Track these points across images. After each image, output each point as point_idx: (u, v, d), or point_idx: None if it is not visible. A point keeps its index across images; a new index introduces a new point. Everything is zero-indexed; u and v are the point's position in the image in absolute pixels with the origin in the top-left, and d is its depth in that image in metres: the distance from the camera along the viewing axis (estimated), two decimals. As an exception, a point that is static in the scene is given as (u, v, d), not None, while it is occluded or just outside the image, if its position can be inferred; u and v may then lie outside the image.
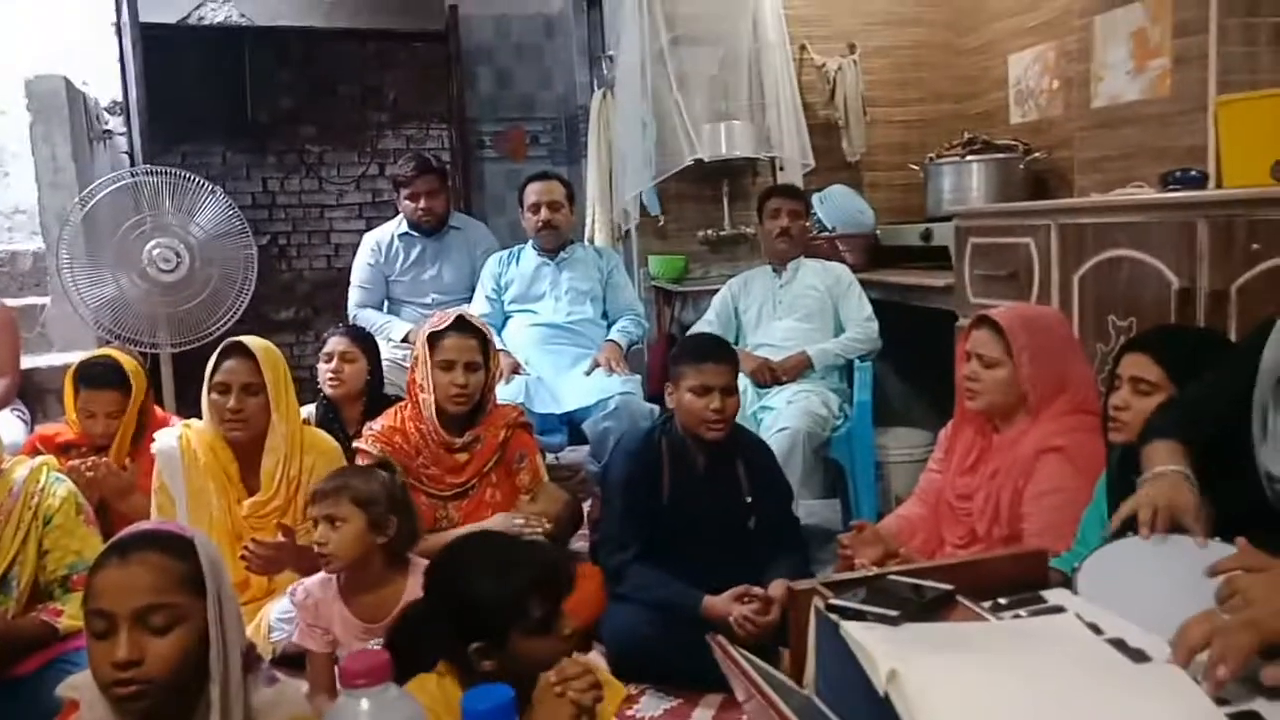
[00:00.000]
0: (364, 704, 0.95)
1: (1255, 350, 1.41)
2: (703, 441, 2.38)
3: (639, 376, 3.42)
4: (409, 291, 3.81)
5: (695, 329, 3.47)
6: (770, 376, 3.17)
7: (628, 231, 4.36)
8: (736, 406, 2.41)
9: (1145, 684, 0.94)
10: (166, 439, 2.44)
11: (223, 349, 2.43)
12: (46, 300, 3.87)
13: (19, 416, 3.25)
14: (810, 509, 3.34)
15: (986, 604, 1.16)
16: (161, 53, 4.90)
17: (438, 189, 3.75)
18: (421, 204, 3.72)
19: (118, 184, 3.43)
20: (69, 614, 1.93)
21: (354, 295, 3.86)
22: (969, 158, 3.61)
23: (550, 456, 3.32)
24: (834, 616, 1.09)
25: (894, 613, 1.07)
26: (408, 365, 2.74)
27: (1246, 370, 1.42)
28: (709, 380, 2.33)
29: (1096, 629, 1.06)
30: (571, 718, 1.37)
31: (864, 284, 3.39)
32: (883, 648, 0.97)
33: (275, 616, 2.27)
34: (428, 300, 3.78)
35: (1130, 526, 1.36)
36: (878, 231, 3.92)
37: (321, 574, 2.11)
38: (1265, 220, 1.88)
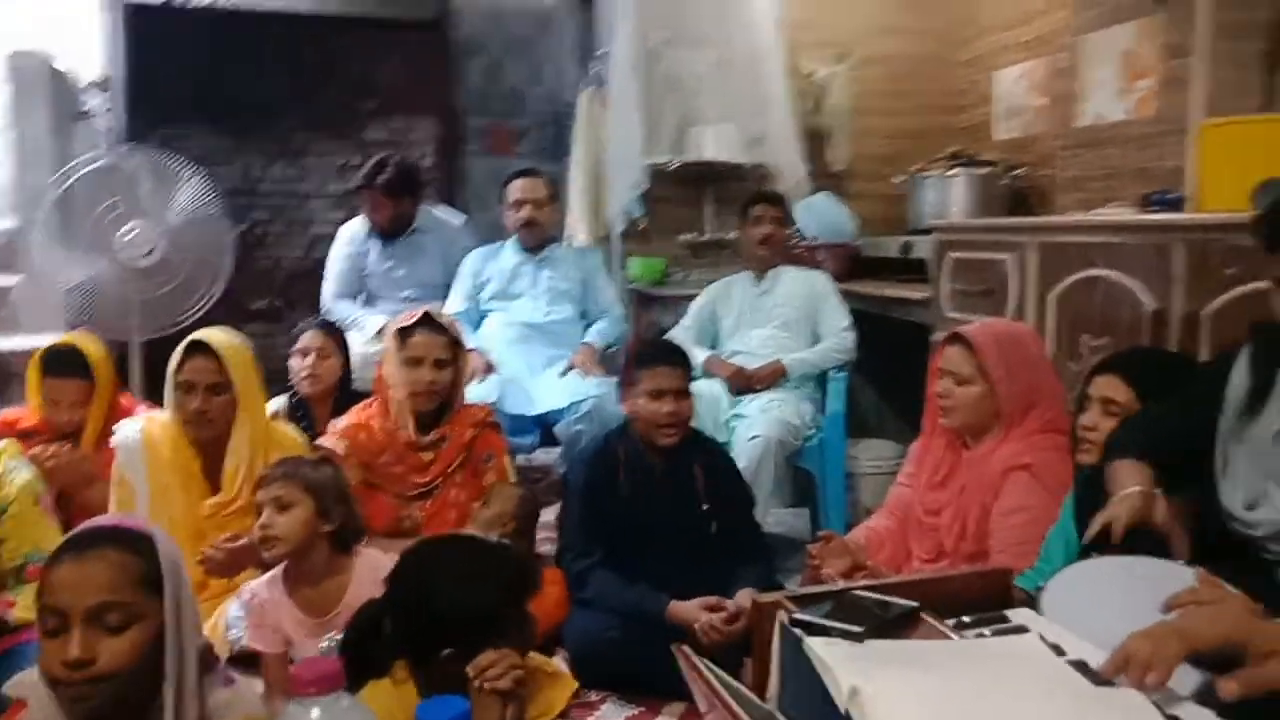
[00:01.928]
0: (315, 712, 0.93)
1: (1221, 377, 1.42)
2: (659, 447, 2.38)
3: (614, 379, 3.39)
4: (382, 287, 3.78)
5: (672, 333, 3.46)
6: (745, 384, 3.16)
7: (609, 232, 4.34)
8: (690, 410, 2.42)
9: (1104, 707, 0.94)
10: (128, 431, 2.38)
11: (187, 346, 2.36)
12: (17, 280, 3.81)
13: (-17, 399, 3.20)
14: (780, 518, 3.34)
15: (951, 621, 1.16)
16: (146, 33, 4.85)
17: (384, 202, 3.66)
18: (374, 215, 3.70)
19: (95, 164, 3.38)
20: (21, 605, 1.89)
21: (328, 286, 3.82)
22: (951, 172, 3.61)
23: (521, 458, 3.30)
24: (798, 631, 1.08)
25: (858, 629, 1.06)
26: (376, 361, 2.71)
27: (1211, 396, 1.42)
28: (662, 384, 2.34)
29: (1059, 650, 1.06)
30: (502, 707, 1.37)
31: (844, 294, 3.40)
32: (845, 664, 0.97)
33: (232, 614, 2.23)
34: (402, 295, 3.73)
35: (1103, 540, 1.37)
36: (859, 242, 3.93)
37: (268, 575, 2.08)
38: (1241, 245, 1.88)
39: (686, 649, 1.27)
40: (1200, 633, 0.95)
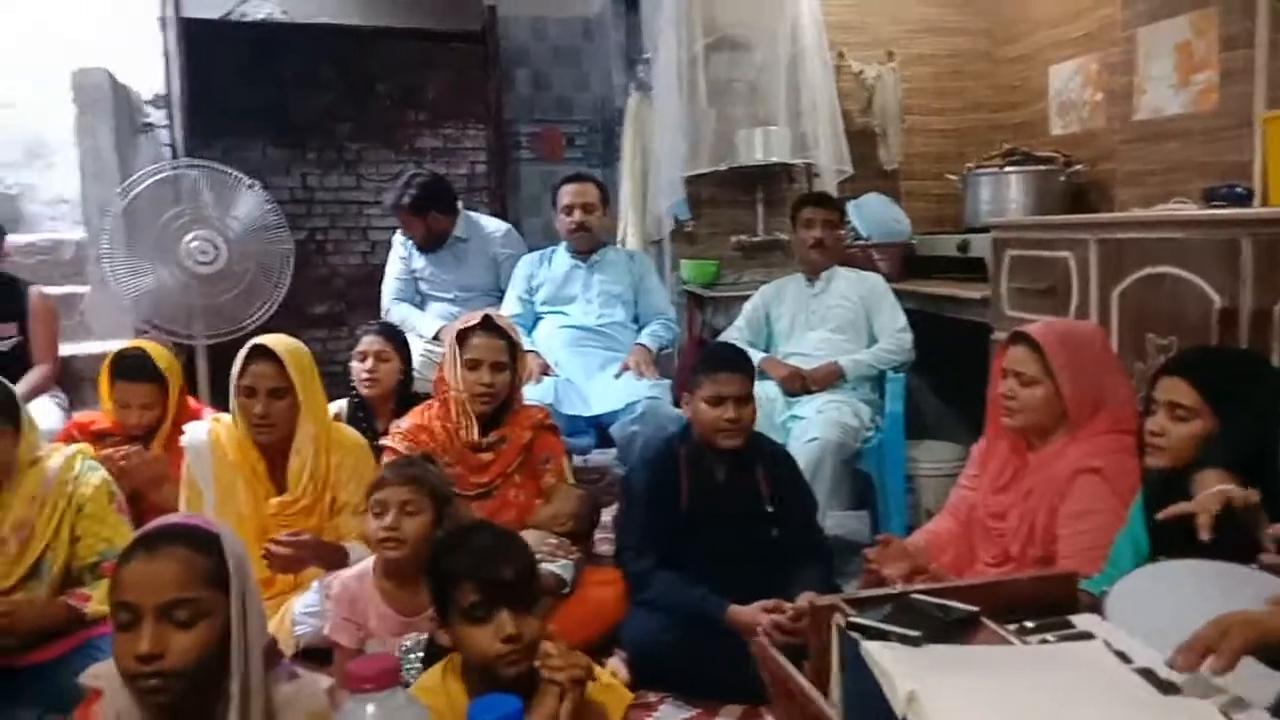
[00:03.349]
0: (370, 708, 0.94)
1: None
2: (722, 450, 2.37)
3: (668, 381, 3.40)
4: (433, 288, 3.87)
5: (725, 335, 3.46)
6: (801, 385, 3.14)
7: (662, 236, 4.36)
8: (753, 415, 2.40)
9: (1170, 717, 0.92)
10: (196, 432, 2.45)
11: (249, 351, 2.41)
12: (87, 289, 3.93)
13: (58, 404, 3.31)
14: (839, 520, 3.31)
15: (1012, 626, 1.14)
16: (204, 47, 4.96)
17: (413, 220, 3.74)
18: (408, 232, 3.80)
19: (158, 176, 3.46)
20: (97, 599, 1.95)
21: (388, 289, 3.93)
22: (1008, 169, 3.57)
23: (577, 459, 3.32)
24: (855, 635, 1.08)
25: (916, 633, 1.05)
26: (437, 361, 2.75)
27: None
28: (723, 390, 2.33)
29: (1125, 657, 1.04)
30: (556, 697, 1.40)
31: (898, 294, 3.36)
32: (902, 669, 0.96)
33: (299, 610, 2.28)
34: (451, 296, 3.83)
35: (1178, 529, 1.33)
36: (913, 241, 3.89)
37: (358, 567, 2.12)
38: (1312, 240, 1.84)
39: (763, 641, 1.27)
40: (1274, 623, 0.91)
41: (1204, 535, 1.29)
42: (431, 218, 3.75)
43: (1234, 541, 1.32)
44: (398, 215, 3.80)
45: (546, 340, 3.49)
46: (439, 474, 2.15)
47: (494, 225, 4.00)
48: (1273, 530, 1.16)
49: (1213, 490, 1.35)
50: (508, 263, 3.79)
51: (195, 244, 3.41)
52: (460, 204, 3.91)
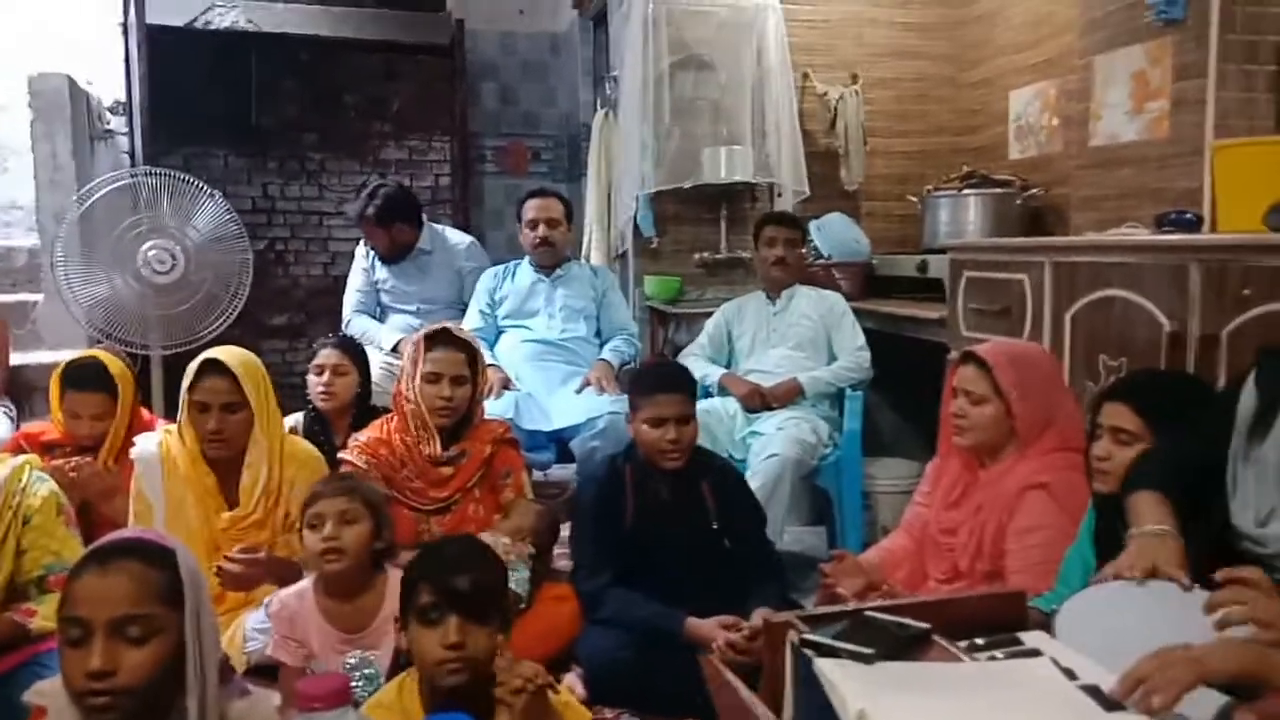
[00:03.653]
0: (318, 727, 0.93)
1: (1233, 401, 1.42)
2: (664, 469, 2.38)
3: (628, 396, 3.41)
4: (395, 300, 3.86)
5: (686, 352, 3.48)
6: (761, 402, 3.17)
7: (624, 251, 4.37)
8: (694, 435, 2.40)
9: (1116, 733, 0.93)
10: (147, 445, 2.41)
11: (200, 365, 2.37)
12: (39, 297, 3.86)
13: (6, 414, 3.24)
14: (797, 536, 3.33)
15: (963, 644, 1.16)
16: (167, 55, 4.92)
17: (377, 231, 3.75)
18: (372, 242, 3.81)
19: (116, 184, 3.43)
20: (42, 615, 1.91)
21: (349, 301, 3.91)
22: (966, 191, 3.62)
23: (538, 474, 3.31)
24: (808, 652, 1.08)
25: (868, 650, 1.06)
26: (396, 375, 2.74)
27: (1224, 423, 1.42)
28: (662, 412, 2.33)
29: (1071, 674, 1.05)
30: (509, 716, 1.44)
31: (858, 313, 3.40)
32: (853, 686, 0.97)
33: (251, 627, 2.24)
34: (413, 309, 3.82)
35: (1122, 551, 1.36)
36: (873, 261, 3.93)
37: (298, 585, 2.10)
38: (1257, 266, 1.88)
39: (714, 658, 1.27)
40: (1215, 663, 0.94)
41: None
42: (396, 229, 3.74)
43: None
44: (362, 226, 3.80)
45: (508, 354, 3.49)
46: (374, 486, 2.14)
47: (458, 238, 3.99)
48: (1226, 574, 1.19)
49: (1137, 541, 1.37)
50: (471, 276, 3.79)
51: (153, 253, 3.37)
52: (425, 216, 3.90)
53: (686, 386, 2.43)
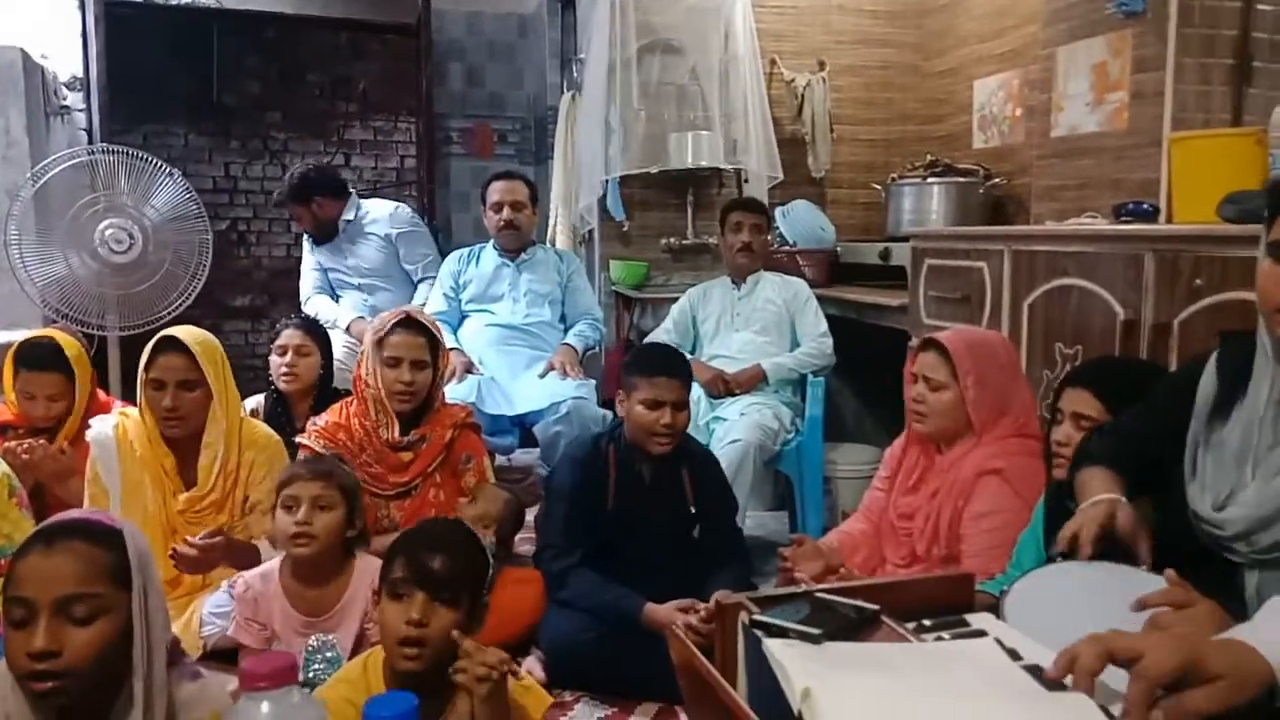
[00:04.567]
0: (265, 706, 0.93)
1: (1189, 383, 1.44)
2: (650, 453, 2.38)
3: (593, 381, 3.42)
4: (337, 277, 3.92)
5: (652, 337, 3.48)
6: (724, 388, 3.18)
7: (590, 234, 4.37)
8: (687, 421, 2.41)
9: (1050, 709, 0.95)
10: (102, 427, 2.38)
11: (157, 342, 2.36)
12: (-8, 275, 3.79)
13: (-42, 394, 3.19)
14: (758, 520, 3.36)
15: (911, 625, 1.17)
16: (127, 30, 4.82)
17: (297, 211, 3.83)
18: (300, 225, 3.92)
19: (72, 161, 3.37)
20: None
21: (305, 283, 3.95)
22: (930, 180, 3.65)
23: (501, 458, 3.30)
24: (758, 632, 1.09)
25: (816, 631, 1.07)
26: (359, 355, 2.72)
27: (1178, 402, 1.44)
28: (661, 395, 2.33)
29: (1015, 654, 1.07)
30: (467, 699, 1.44)
31: (822, 300, 3.42)
32: (799, 665, 0.98)
33: (208, 610, 2.23)
34: (356, 283, 3.87)
35: (1071, 551, 1.38)
36: (838, 248, 3.96)
37: (263, 567, 2.09)
38: (1209, 256, 1.92)
39: (680, 632, 1.28)
40: (1155, 667, 0.94)
41: (1084, 555, 1.34)
42: (316, 204, 3.78)
43: (1117, 549, 1.37)
44: (288, 210, 3.89)
45: (472, 338, 3.48)
46: (349, 472, 2.14)
47: (383, 205, 4.01)
48: (1166, 592, 1.21)
49: (1093, 514, 1.39)
50: (402, 240, 3.84)
51: (110, 232, 3.32)
52: (352, 191, 3.94)
53: (686, 372, 2.42)
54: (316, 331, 3.00)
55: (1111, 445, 1.57)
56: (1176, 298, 1.98)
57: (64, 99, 4.45)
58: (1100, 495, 1.44)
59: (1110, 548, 1.39)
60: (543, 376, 3.32)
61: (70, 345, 2.60)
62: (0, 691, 1.22)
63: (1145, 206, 2.41)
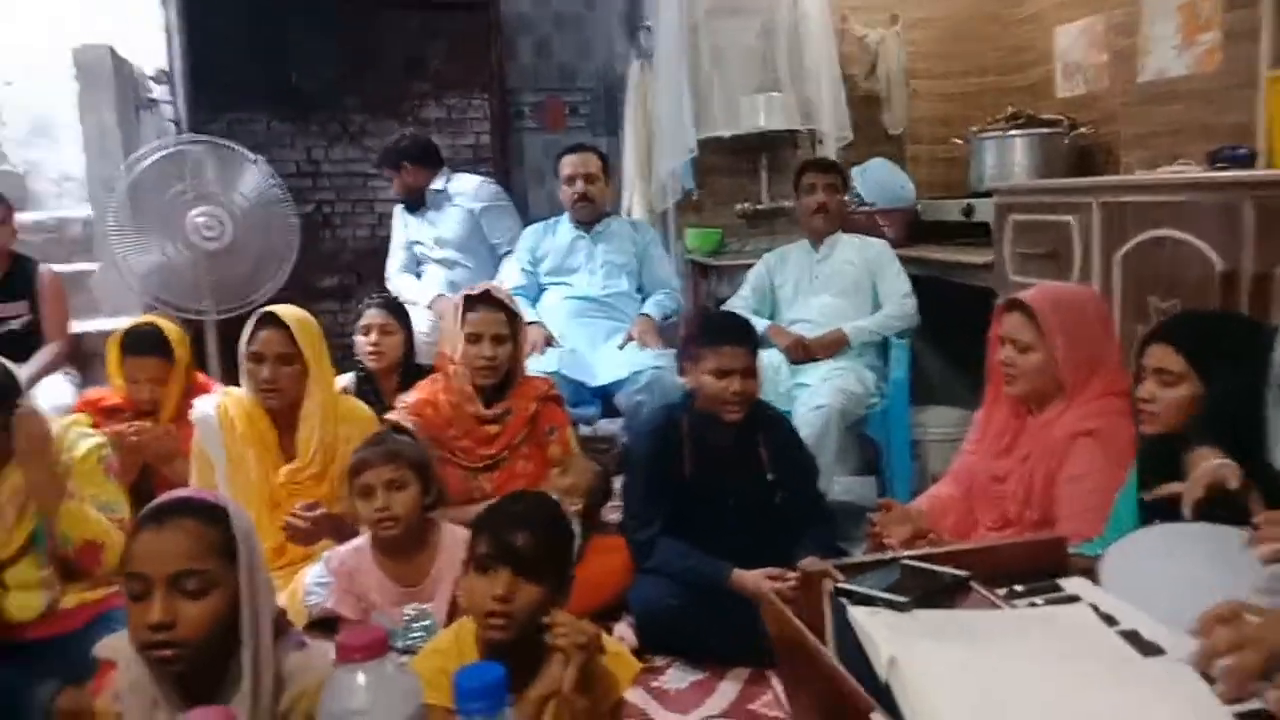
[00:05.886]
0: (360, 677, 0.96)
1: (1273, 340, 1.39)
2: (723, 421, 2.38)
3: (673, 351, 3.41)
4: (424, 249, 4.00)
5: (730, 303, 3.46)
6: (805, 353, 3.15)
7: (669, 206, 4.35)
8: (756, 388, 2.40)
9: (1151, 678, 0.93)
10: (205, 406, 2.48)
11: (258, 318, 2.46)
12: (95, 266, 3.95)
13: (70, 380, 3.34)
14: (846, 486, 3.33)
15: (1002, 591, 1.16)
16: (206, 21, 4.95)
17: (394, 176, 3.95)
18: (396, 190, 4.02)
19: (162, 152, 3.46)
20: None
21: (391, 260, 4.05)
22: (1013, 132, 3.54)
23: (584, 428, 3.34)
24: (844, 601, 1.10)
25: (903, 599, 1.07)
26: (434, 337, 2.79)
27: (1264, 363, 1.39)
28: (727, 363, 2.32)
29: (1111, 620, 1.05)
30: (561, 663, 1.45)
31: (903, 260, 3.36)
32: (885, 634, 0.98)
33: (311, 581, 2.30)
34: (439, 257, 3.95)
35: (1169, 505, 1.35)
36: (918, 206, 3.87)
37: (356, 541, 2.16)
38: (1313, 202, 1.84)
39: (775, 597, 1.29)
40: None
41: (1187, 515, 1.30)
42: (406, 170, 3.89)
43: (1225, 514, 1.33)
44: (384, 175, 4.02)
45: (551, 311, 3.50)
46: (414, 443, 2.19)
47: (470, 179, 4.08)
48: (1266, 517, 1.17)
49: (1202, 470, 1.35)
50: (487, 214, 3.90)
51: (201, 219, 3.42)
52: (445, 163, 4.03)
53: (752, 339, 2.42)
54: (398, 310, 3.06)
55: (1209, 427, 1.52)
56: (1278, 246, 1.90)
57: (150, 92, 4.58)
58: (1209, 460, 1.40)
59: (1222, 510, 1.36)
60: (621, 348, 3.34)
61: (170, 330, 2.70)
62: (125, 660, 1.29)
63: (1242, 151, 2.31)
